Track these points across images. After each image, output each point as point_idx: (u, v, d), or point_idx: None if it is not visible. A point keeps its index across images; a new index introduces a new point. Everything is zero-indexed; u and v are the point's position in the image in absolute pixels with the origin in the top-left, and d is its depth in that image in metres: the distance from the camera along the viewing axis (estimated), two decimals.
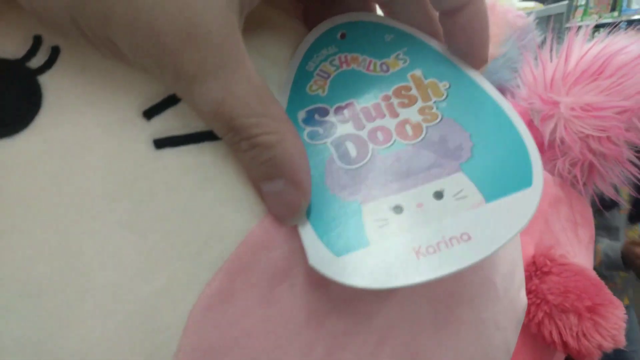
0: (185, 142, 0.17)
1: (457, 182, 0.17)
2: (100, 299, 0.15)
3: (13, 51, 0.16)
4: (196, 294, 0.16)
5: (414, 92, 0.19)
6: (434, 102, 0.19)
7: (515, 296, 0.23)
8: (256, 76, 0.15)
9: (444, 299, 0.20)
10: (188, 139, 0.17)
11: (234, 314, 0.16)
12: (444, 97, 0.19)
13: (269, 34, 0.19)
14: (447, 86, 0.19)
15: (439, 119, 0.19)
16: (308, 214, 0.17)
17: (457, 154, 0.18)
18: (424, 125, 0.18)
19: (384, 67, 0.19)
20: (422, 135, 0.18)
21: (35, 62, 0.16)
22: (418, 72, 0.19)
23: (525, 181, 0.17)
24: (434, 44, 0.20)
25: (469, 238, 0.16)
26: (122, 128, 0.16)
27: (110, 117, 0.16)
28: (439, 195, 0.17)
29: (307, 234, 0.17)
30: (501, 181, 0.17)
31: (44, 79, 0.16)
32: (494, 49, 0.61)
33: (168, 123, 0.17)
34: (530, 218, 0.17)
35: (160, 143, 0.16)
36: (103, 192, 0.16)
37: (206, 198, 0.16)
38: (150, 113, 0.16)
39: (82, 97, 0.16)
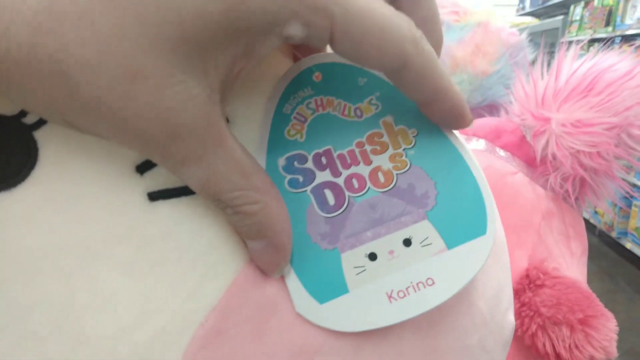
0: (178, 195, 0.17)
1: (423, 230, 0.19)
2: (97, 345, 0.16)
3: (9, 107, 0.16)
4: (191, 334, 0.17)
5: (385, 139, 0.20)
6: (404, 149, 0.20)
7: (502, 318, 0.24)
8: (239, 153, 0.16)
9: (428, 328, 0.20)
10: (180, 192, 0.17)
11: (227, 351, 0.17)
12: (412, 144, 0.20)
13: (259, 74, 0.20)
14: (415, 134, 0.20)
15: (407, 167, 0.20)
16: (292, 262, 0.19)
17: (424, 201, 0.20)
18: (395, 173, 0.20)
19: (358, 112, 0.20)
20: (393, 183, 0.20)
21: (31, 118, 0.16)
22: (389, 119, 0.20)
23: (480, 229, 0.19)
24: None
25: (433, 282, 0.19)
26: (117, 182, 0.17)
27: (105, 171, 0.17)
28: (407, 242, 0.19)
29: (292, 282, 0.18)
30: (460, 229, 0.19)
31: (40, 134, 0.16)
32: (487, 66, 0.62)
33: (160, 177, 0.17)
34: (484, 263, 0.19)
35: (154, 196, 0.17)
36: (101, 241, 0.16)
37: (201, 243, 0.17)
38: (142, 168, 0.17)
39: (77, 151, 0.17)
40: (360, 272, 0.19)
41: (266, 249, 0.17)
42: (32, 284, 0.16)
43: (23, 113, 0.16)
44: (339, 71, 0.21)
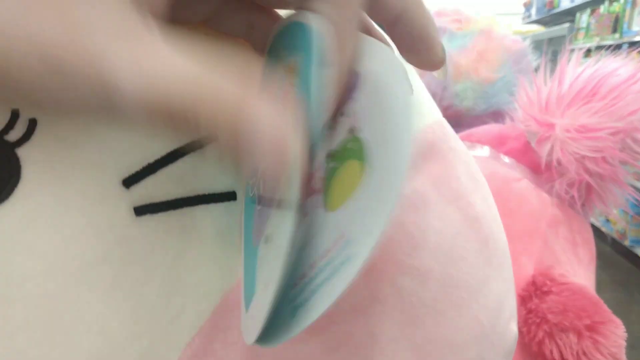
0: (165, 209, 0.17)
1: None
2: None
3: None
4: (177, 355, 0.16)
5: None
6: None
7: (503, 329, 0.23)
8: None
9: (426, 344, 0.20)
10: (167, 206, 0.17)
11: None
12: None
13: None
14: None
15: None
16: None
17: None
18: None
19: None
20: None
21: (14, 135, 0.16)
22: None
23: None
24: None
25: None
26: (102, 197, 0.16)
27: (90, 187, 0.16)
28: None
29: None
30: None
31: (23, 152, 0.16)
32: (491, 73, 0.62)
33: (147, 191, 0.17)
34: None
35: (140, 210, 0.17)
36: (84, 261, 0.16)
37: (186, 261, 0.17)
38: (129, 182, 0.17)
39: (61, 168, 0.16)
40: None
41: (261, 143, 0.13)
42: (14, 309, 0.15)
43: (5, 130, 0.16)
44: None
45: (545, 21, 3.93)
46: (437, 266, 0.20)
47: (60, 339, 0.16)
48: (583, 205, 0.46)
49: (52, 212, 0.16)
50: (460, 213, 0.22)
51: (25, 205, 0.16)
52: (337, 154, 0.15)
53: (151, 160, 0.17)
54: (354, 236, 0.13)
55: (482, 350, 0.22)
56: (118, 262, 0.16)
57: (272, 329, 0.14)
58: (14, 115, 0.16)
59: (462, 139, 0.24)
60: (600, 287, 0.46)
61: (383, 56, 0.15)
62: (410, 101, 0.13)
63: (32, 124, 0.16)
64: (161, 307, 0.17)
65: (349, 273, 0.12)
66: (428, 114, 0.24)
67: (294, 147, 0.13)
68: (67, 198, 0.16)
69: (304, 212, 0.15)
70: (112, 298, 0.16)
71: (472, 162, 0.25)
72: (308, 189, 0.15)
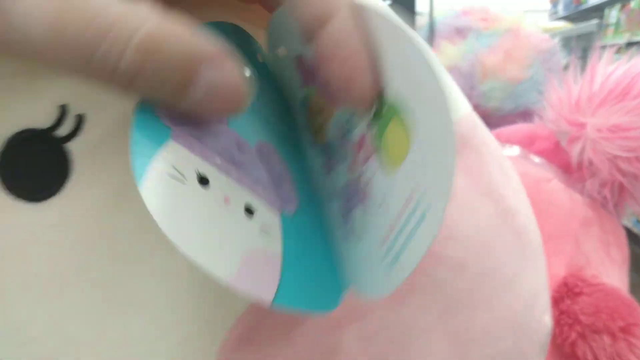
0: None
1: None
2: (138, 343, 0.16)
3: (41, 120, 0.16)
4: (220, 339, 0.17)
5: None
6: None
7: (538, 321, 0.23)
8: None
9: (462, 333, 0.20)
10: None
11: (257, 357, 0.17)
12: None
13: None
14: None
15: None
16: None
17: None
18: None
19: None
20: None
21: (62, 131, 0.16)
22: None
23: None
24: None
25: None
26: None
27: None
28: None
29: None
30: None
31: (72, 147, 0.16)
32: (519, 72, 0.61)
33: None
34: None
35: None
36: (136, 250, 0.17)
37: None
38: None
39: (109, 163, 0.17)
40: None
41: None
42: (68, 295, 0.16)
43: (54, 126, 0.16)
44: None
45: (573, 17, 3.84)
46: (472, 257, 0.21)
47: (112, 323, 0.16)
48: (615, 205, 0.45)
49: (103, 204, 0.17)
50: (493, 205, 0.22)
51: (77, 198, 0.16)
52: (378, 114, 0.15)
53: None
54: (425, 190, 0.13)
55: (518, 340, 0.22)
56: (167, 251, 0.17)
57: (366, 286, 0.15)
58: (63, 111, 0.16)
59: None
60: (633, 289, 0.46)
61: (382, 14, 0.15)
62: (425, 45, 0.13)
63: (80, 120, 0.16)
64: (206, 291, 0.17)
65: (432, 225, 0.13)
66: (458, 107, 0.24)
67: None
68: (118, 190, 0.17)
69: (365, 179, 0.16)
70: (160, 283, 0.17)
71: (503, 156, 0.25)
72: (363, 155, 0.16)
